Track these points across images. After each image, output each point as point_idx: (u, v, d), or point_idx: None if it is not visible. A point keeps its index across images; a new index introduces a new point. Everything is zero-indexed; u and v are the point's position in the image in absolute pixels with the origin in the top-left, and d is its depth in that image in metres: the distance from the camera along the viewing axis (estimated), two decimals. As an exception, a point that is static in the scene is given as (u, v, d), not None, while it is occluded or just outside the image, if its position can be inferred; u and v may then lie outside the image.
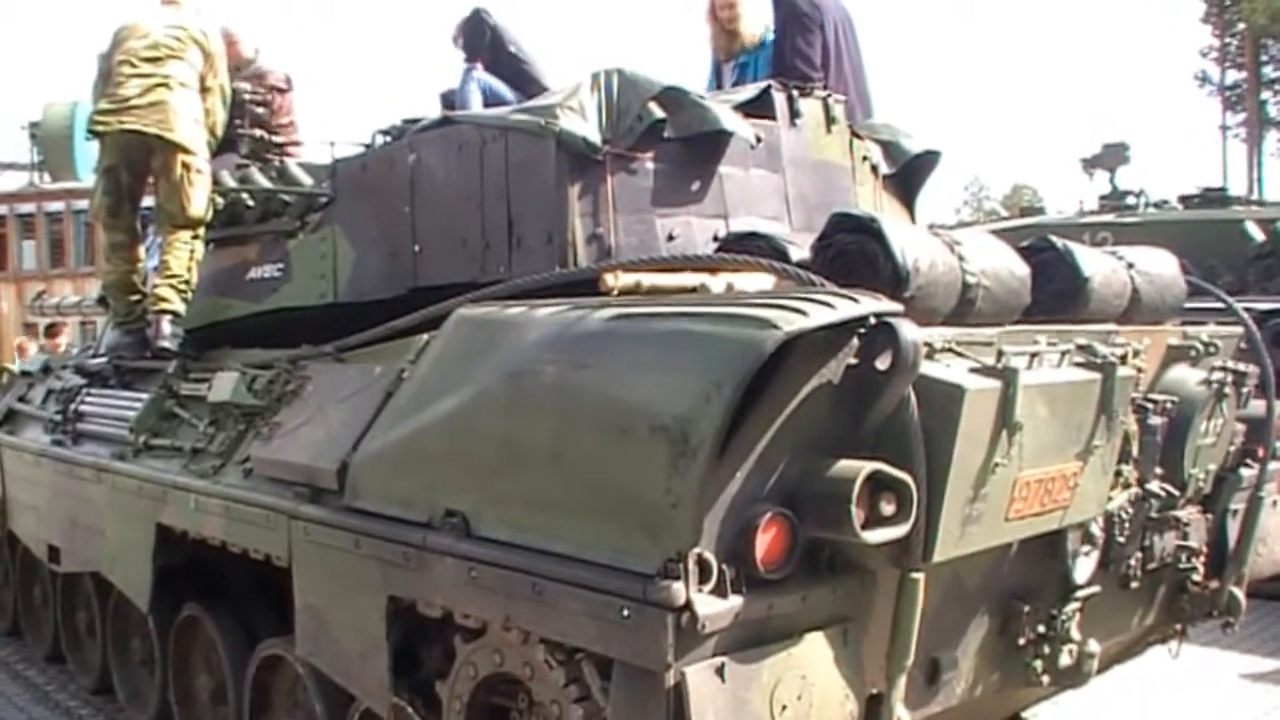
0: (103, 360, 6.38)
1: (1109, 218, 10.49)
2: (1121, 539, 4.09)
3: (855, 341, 3.07)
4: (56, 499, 6.12)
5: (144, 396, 5.62)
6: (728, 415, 2.75)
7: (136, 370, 6.04)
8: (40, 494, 6.33)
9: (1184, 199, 11.00)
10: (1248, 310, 4.85)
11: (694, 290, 3.50)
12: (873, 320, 3.03)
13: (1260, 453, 4.77)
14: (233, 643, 5.03)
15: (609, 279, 3.42)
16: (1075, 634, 3.91)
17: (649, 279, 3.48)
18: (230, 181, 6.07)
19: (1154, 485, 4.19)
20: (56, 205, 26.21)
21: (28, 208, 27.31)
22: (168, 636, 5.49)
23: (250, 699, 4.86)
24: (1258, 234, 9.40)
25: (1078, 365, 3.62)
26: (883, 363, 3.00)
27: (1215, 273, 7.96)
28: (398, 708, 3.82)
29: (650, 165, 4.48)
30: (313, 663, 4.20)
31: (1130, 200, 11.27)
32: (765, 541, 2.91)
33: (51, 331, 15.20)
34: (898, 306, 3.08)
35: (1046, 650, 3.88)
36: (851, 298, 3.03)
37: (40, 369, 7.33)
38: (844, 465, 2.97)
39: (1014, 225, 10.74)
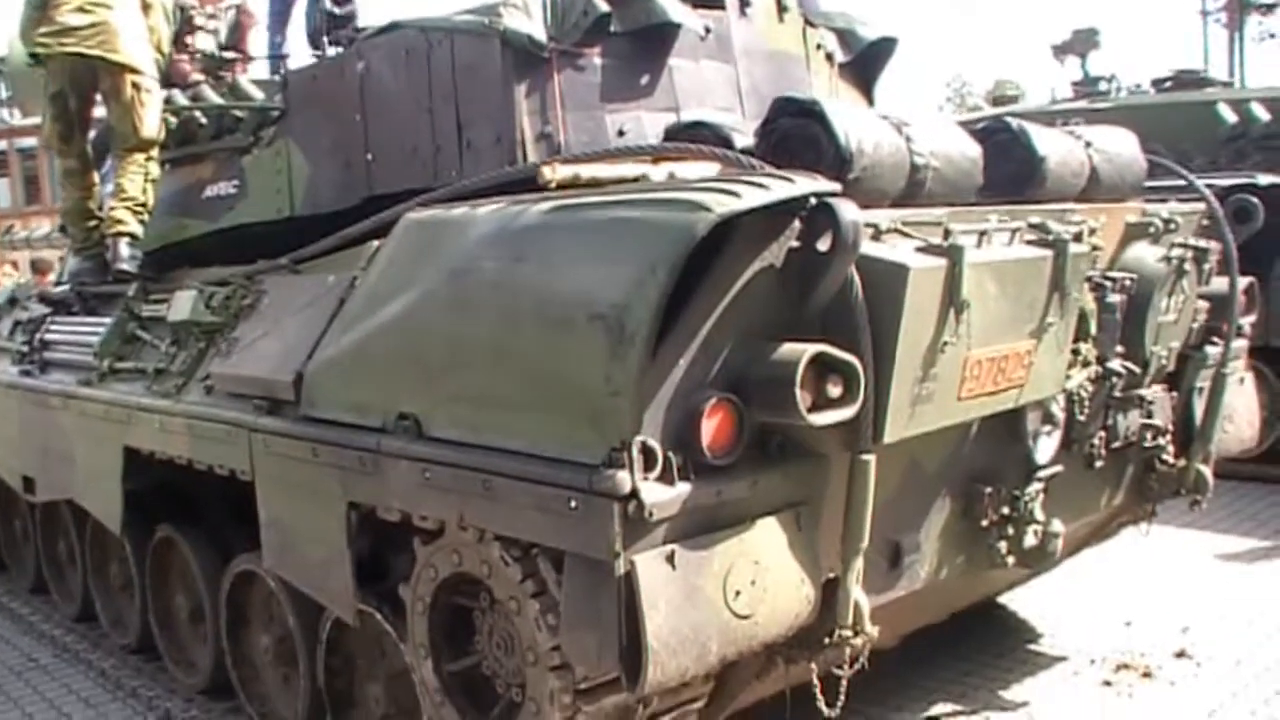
0: (65, 288, 6.33)
1: (1081, 104, 10.39)
2: (1083, 418, 4.09)
3: (797, 224, 3.04)
4: (28, 429, 6.10)
5: (107, 321, 5.58)
6: (663, 300, 2.73)
7: (99, 295, 5.99)
8: (12, 425, 6.30)
9: (1157, 83, 10.90)
10: (1210, 187, 4.79)
11: (635, 181, 3.46)
12: (813, 201, 2.99)
13: (1224, 329, 4.76)
14: (206, 562, 5.05)
15: (546, 172, 3.37)
16: (1039, 515, 3.93)
17: (588, 170, 3.43)
18: (182, 99, 5.98)
19: (1115, 364, 4.19)
20: (29, 141, 25.86)
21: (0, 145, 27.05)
22: (144, 560, 5.51)
23: (226, 616, 4.90)
24: (1230, 116, 9.31)
25: (1029, 243, 3.59)
26: (823, 244, 2.97)
27: (1188, 156, 7.89)
28: (364, 614, 3.85)
29: (598, 61, 4.41)
30: (280, 574, 4.22)
31: (1103, 86, 11.17)
32: (711, 427, 2.90)
33: (39, 269, 15.14)
34: (835, 186, 3.04)
35: (1010, 531, 3.90)
36: (787, 179, 2.99)
37: (7, 301, 7.26)
38: (788, 348, 2.95)
39: (986, 116, 10.64)
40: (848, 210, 2.94)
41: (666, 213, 2.85)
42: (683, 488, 2.87)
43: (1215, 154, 8.74)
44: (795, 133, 3.44)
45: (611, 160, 3.56)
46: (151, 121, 5.71)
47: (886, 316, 3.06)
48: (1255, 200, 4.85)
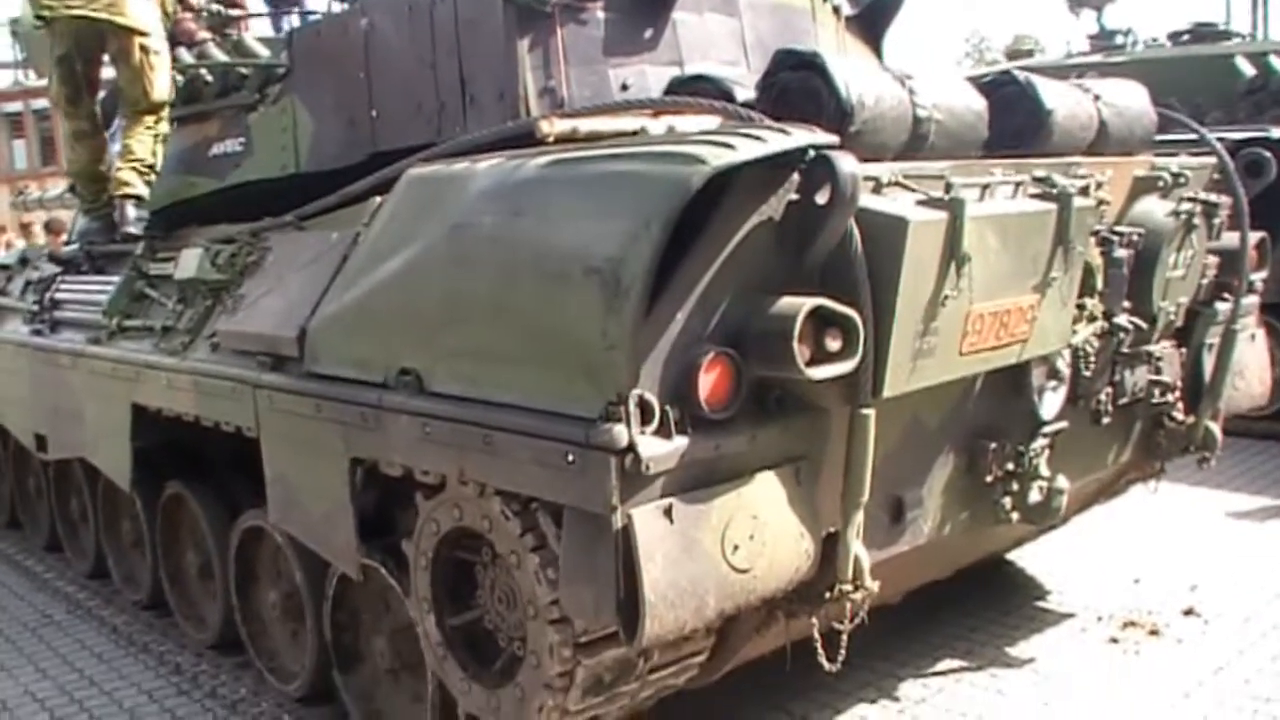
0: (74, 247, 6.34)
1: (1096, 58, 10.28)
2: (1089, 373, 4.05)
3: (796, 177, 3.01)
4: (39, 388, 6.13)
5: (115, 280, 5.60)
6: (658, 254, 2.71)
7: (107, 255, 6.00)
8: (24, 384, 6.34)
9: (1174, 36, 10.77)
10: (1221, 140, 4.73)
11: (633, 135, 3.43)
12: (811, 154, 2.96)
13: (1235, 285, 4.71)
14: (215, 518, 5.09)
15: (544, 126, 3.34)
16: (1044, 471, 3.90)
17: (587, 125, 3.41)
18: (188, 58, 5.96)
19: (1122, 319, 4.15)
20: (44, 102, 25.80)
21: (15, 106, 26.96)
22: (154, 516, 5.55)
23: (235, 572, 4.94)
24: (1248, 69, 9.21)
25: (1033, 197, 3.56)
26: (822, 197, 2.94)
27: (1202, 109, 7.81)
28: (368, 569, 3.87)
29: (601, 15, 4.37)
30: (285, 529, 4.25)
31: (1119, 40, 11.04)
32: (709, 381, 2.89)
33: (53, 229, 15.11)
34: (833, 138, 3.01)
35: (1015, 487, 3.88)
36: (784, 131, 2.96)
37: (18, 261, 7.28)
38: (786, 302, 2.93)
39: (999, 71, 10.54)
40: (846, 163, 2.91)
41: (661, 166, 2.83)
42: (680, 441, 2.86)
43: (1233, 108, 8.64)
44: (795, 86, 3.40)
45: (610, 114, 3.54)
46: (162, 84, 5.68)
47: (886, 270, 3.03)
48: (1267, 154, 4.80)
